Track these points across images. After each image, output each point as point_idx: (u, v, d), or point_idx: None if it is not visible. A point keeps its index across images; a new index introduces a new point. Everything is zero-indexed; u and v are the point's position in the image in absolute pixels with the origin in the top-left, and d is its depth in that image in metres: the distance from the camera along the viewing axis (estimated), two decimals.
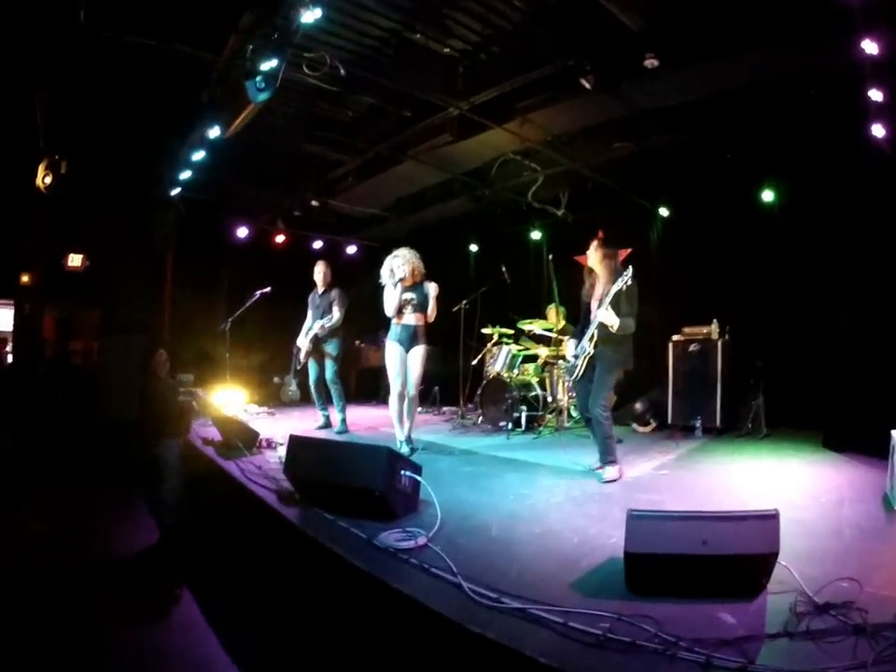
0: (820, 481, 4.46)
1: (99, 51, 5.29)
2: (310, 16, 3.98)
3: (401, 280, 5.44)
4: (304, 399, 8.70)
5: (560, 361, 7.18)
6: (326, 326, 6.58)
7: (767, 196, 7.12)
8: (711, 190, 7.55)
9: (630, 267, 4.53)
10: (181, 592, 3.60)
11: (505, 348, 7.46)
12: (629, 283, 4.44)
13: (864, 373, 5.59)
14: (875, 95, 4.64)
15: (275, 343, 10.02)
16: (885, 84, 4.56)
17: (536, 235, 9.81)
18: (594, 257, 4.77)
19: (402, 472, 3.27)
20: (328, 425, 6.93)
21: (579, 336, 4.79)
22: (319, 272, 6.91)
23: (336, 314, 6.66)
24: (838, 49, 4.48)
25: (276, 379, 10.06)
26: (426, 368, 5.64)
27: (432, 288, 5.54)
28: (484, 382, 7.48)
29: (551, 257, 6.74)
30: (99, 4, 4.69)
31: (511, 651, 1.95)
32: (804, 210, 6.74)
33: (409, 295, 5.50)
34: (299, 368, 7.14)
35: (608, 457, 4.53)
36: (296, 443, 3.70)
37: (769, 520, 2.33)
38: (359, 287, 7.53)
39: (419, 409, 6.09)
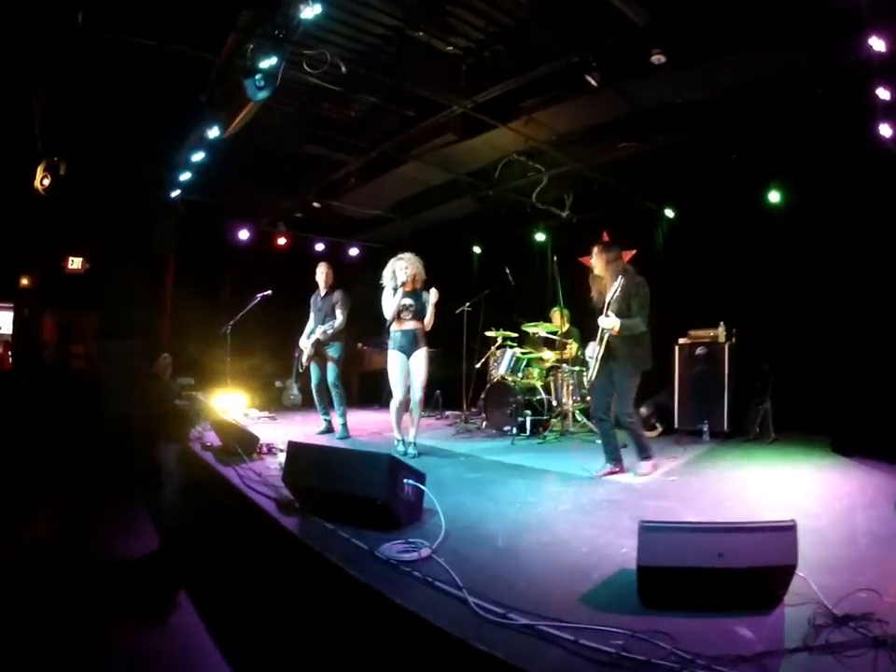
0: (831, 486, 4.38)
1: (97, 52, 5.25)
2: (310, 12, 3.91)
3: (402, 285, 5.45)
4: (306, 404, 8.64)
5: (564, 365, 7.10)
6: (329, 332, 6.50)
7: (774, 197, 7.04)
8: (717, 192, 7.47)
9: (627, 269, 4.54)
10: (180, 598, 3.54)
11: (509, 351, 7.36)
12: (631, 283, 4.49)
13: (873, 378, 5.52)
14: (883, 94, 4.55)
15: (277, 347, 9.99)
16: (892, 82, 4.48)
17: (540, 237, 9.74)
18: (598, 262, 4.73)
19: (405, 480, 3.17)
20: (329, 430, 6.85)
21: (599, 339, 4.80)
22: (321, 273, 6.82)
23: (339, 317, 6.58)
24: (845, 47, 4.41)
25: (278, 383, 10.02)
26: (429, 370, 5.61)
27: (432, 295, 5.52)
28: (488, 385, 7.39)
29: (555, 258, 6.67)
30: (97, 4, 4.63)
31: (519, 671, 1.85)
32: (811, 211, 6.69)
33: (407, 301, 5.50)
34: (301, 371, 7.04)
35: (643, 454, 4.68)
36: (295, 450, 3.60)
37: (786, 531, 2.24)
38: (361, 289, 7.44)
39: (422, 413, 6.01)
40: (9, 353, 10.02)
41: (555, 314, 7.67)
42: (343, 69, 4.79)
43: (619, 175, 7.66)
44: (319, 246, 11.06)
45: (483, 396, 7.45)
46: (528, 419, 6.73)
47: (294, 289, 7.92)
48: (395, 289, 5.50)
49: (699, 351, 6.84)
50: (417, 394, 5.50)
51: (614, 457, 4.75)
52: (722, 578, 2.21)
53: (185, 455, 5.99)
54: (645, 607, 2.31)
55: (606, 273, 4.68)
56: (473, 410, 8.15)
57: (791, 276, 6.91)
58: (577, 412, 7.17)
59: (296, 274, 8.57)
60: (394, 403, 5.56)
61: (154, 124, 6.51)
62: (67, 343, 9.83)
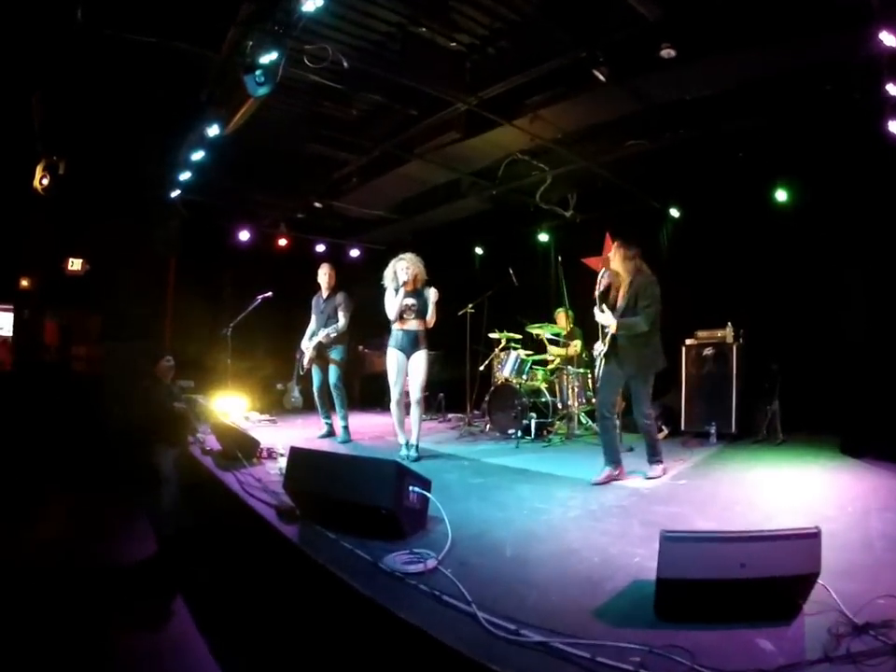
0: (843, 489, 4.30)
1: (97, 50, 5.19)
2: (311, 4, 3.82)
3: (403, 285, 5.44)
4: (307, 406, 8.56)
5: (569, 367, 7.01)
6: (332, 334, 6.42)
7: (781, 196, 6.96)
8: (723, 190, 7.39)
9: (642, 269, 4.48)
10: (176, 604, 3.46)
11: (514, 353, 7.26)
12: (642, 281, 4.45)
13: (883, 378, 5.49)
14: (893, 90, 4.48)
15: (278, 349, 9.94)
16: None
17: (543, 237, 9.66)
18: (616, 256, 4.65)
19: (411, 488, 3.07)
20: (331, 433, 6.77)
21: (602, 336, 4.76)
22: (324, 274, 6.73)
23: (341, 319, 6.50)
24: (855, 42, 4.36)
25: (279, 385, 9.94)
26: (429, 373, 5.58)
27: (432, 294, 5.50)
28: (493, 388, 7.30)
29: (560, 259, 6.57)
30: (97, 1, 4.57)
31: None
32: (818, 209, 6.62)
33: (410, 301, 5.47)
34: (302, 373, 6.96)
35: (655, 457, 4.68)
36: (297, 457, 3.50)
37: (810, 539, 2.17)
38: (363, 290, 7.35)
39: (423, 416, 5.94)
40: (10, 354, 9.97)
41: (560, 314, 7.58)
42: (346, 64, 4.69)
43: (624, 173, 7.58)
44: (320, 247, 11.00)
45: (487, 398, 7.35)
46: (533, 422, 6.63)
47: (295, 291, 7.86)
48: (396, 290, 5.47)
49: (707, 352, 6.75)
50: (415, 395, 5.46)
51: (614, 459, 4.63)
52: (744, 588, 2.13)
53: (184, 458, 5.91)
54: (660, 620, 2.22)
55: (622, 269, 4.62)
56: (476, 412, 8.05)
57: (798, 276, 6.82)
58: (582, 414, 7.07)
59: (297, 276, 8.54)
60: (392, 405, 5.58)
61: (154, 123, 6.47)
62: (68, 345, 9.79)
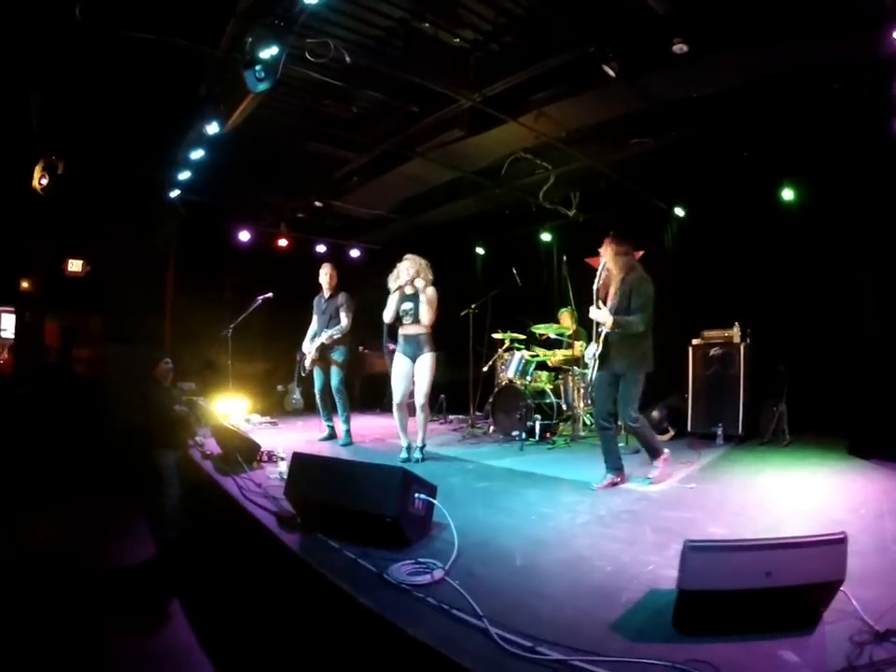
0: (854, 492, 4.25)
1: (95, 48, 5.11)
2: None
3: (400, 288, 5.40)
4: (308, 408, 8.49)
5: (574, 367, 6.92)
6: (335, 336, 6.33)
7: (787, 195, 6.90)
8: (729, 189, 7.33)
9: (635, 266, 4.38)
10: (174, 607, 3.44)
11: (518, 354, 7.16)
12: (635, 280, 4.32)
13: (893, 378, 5.46)
14: None
15: (279, 350, 9.87)
16: None
17: (546, 237, 9.59)
18: (607, 251, 4.51)
19: (416, 495, 2.97)
20: (332, 436, 6.69)
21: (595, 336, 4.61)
22: (325, 274, 6.65)
23: (343, 320, 6.42)
24: (866, 40, 4.27)
25: (280, 387, 9.89)
26: (434, 375, 5.49)
27: (426, 294, 5.40)
28: (496, 389, 7.20)
29: (565, 258, 6.49)
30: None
31: None
32: (826, 208, 6.56)
33: (407, 305, 5.43)
34: (304, 375, 6.87)
35: (655, 454, 4.54)
36: (300, 463, 3.40)
37: (837, 545, 2.12)
38: (363, 291, 7.26)
39: (430, 417, 5.85)
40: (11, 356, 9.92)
41: (564, 314, 7.50)
42: (348, 59, 4.59)
43: (628, 172, 7.49)
44: (321, 248, 10.93)
45: (490, 400, 7.26)
46: (538, 423, 6.53)
47: (296, 291, 7.76)
48: (393, 292, 5.45)
49: (714, 352, 6.66)
50: (419, 400, 5.38)
51: (615, 466, 4.52)
52: (767, 598, 2.07)
53: (184, 462, 5.82)
54: (679, 633, 2.13)
55: (613, 265, 4.46)
56: (479, 414, 7.96)
57: (805, 275, 6.75)
58: (587, 415, 6.98)
59: (298, 276, 8.44)
60: (393, 408, 5.53)
61: (153, 122, 6.38)
62: (70, 347, 9.73)
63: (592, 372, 4.54)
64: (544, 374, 7.32)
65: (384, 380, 9.45)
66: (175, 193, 7.95)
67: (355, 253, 11.34)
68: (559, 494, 4.32)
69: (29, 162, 6.50)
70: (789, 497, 4.17)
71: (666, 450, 4.66)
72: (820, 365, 6.50)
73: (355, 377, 10.40)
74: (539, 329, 7.48)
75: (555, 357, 7.45)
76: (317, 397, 6.73)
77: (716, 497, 4.22)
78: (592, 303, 4.51)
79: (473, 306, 7.68)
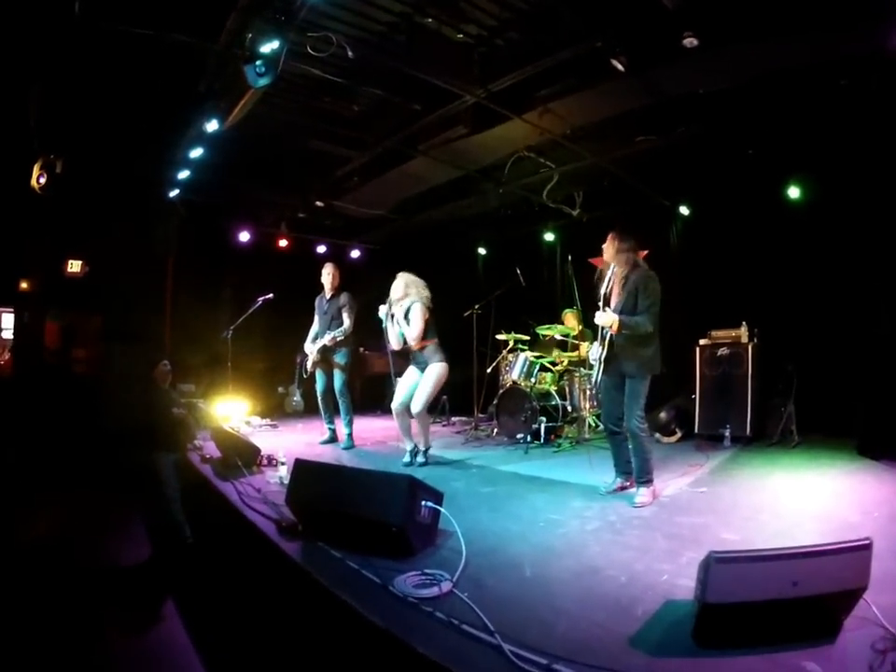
0: (866, 493, 4.18)
1: (94, 45, 5.02)
2: None
3: (391, 316, 5.45)
4: (308, 410, 8.40)
5: (580, 369, 6.82)
6: (338, 337, 6.23)
7: (794, 192, 6.81)
8: (734, 187, 7.24)
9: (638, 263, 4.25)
10: (168, 611, 3.39)
11: (522, 355, 7.06)
12: (640, 277, 4.15)
13: None
14: None
15: (279, 352, 9.77)
16: None
17: (549, 237, 9.50)
18: (609, 248, 4.34)
19: (423, 503, 2.87)
20: (333, 439, 6.60)
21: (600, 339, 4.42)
22: (327, 274, 6.55)
23: (346, 321, 6.32)
24: (874, 34, 4.19)
25: (280, 389, 9.80)
26: (439, 385, 5.37)
27: (411, 311, 5.34)
28: (501, 391, 7.10)
29: (570, 258, 6.38)
30: None
31: None
32: (833, 206, 6.48)
33: (387, 325, 5.47)
34: (305, 376, 6.77)
35: (644, 476, 4.14)
36: (302, 469, 3.30)
37: (862, 551, 2.07)
38: (364, 291, 7.17)
39: (434, 420, 5.75)
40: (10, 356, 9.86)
41: (568, 315, 7.40)
42: (350, 53, 4.49)
43: (633, 170, 7.40)
44: (321, 248, 10.84)
45: (495, 402, 7.15)
46: (543, 426, 6.43)
47: (296, 292, 7.68)
48: (387, 318, 5.50)
49: (721, 352, 6.56)
50: (414, 407, 5.23)
51: (625, 471, 4.38)
52: (792, 608, 2.02)
53: (183, 466, 5.72)
54: (699, 646, 2.06)
55: (615, 262, 4.28)
56: (482, 416, 7.86)
57: (813, 274, 6.65)
58: (592, 417, 6.88)
59: (298, 276, 8.35)
60: (393, 411, 5.47)
61: (152, 120, 6.30)
62: (69, 347, 9.65)
63: (597, 375, 4.37)
64: (548, 376, 7.23)
65: (384, 381, 9.40)
66: (174, 192, 7.87)
67: (355, 253, 11.24)
68: (567, 498, 4.22)
69: (28, 161, 6.42)
70: (800, 499, 4.10)
71: (654, 486, 4.26)
72: (828, 364, 6.41)
73: (355, 378, 10.31)
74: (543, 330, 7.39)
75: (560, 357, 7.35)
76: (319, 399, 6.64)
77: (727, 501, 4.13)
78: (596, 304, 4.37)
79: (477, 307, 7.59)
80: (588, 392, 6.79)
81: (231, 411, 7.77)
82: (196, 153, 6.34)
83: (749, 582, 1.99)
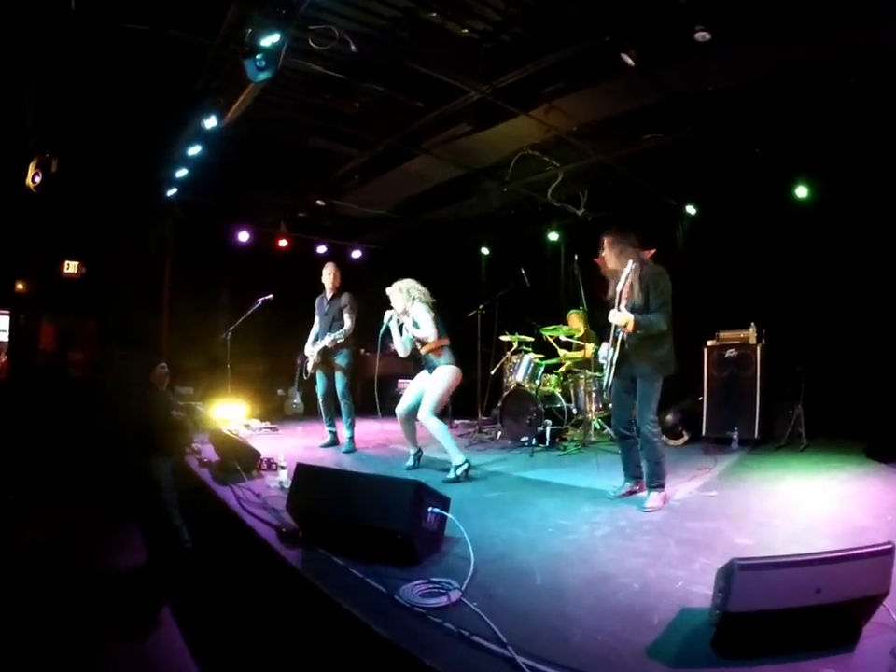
0: (877, 497, 4.13)
1: (90, 42, 4.93)
2: None
3: (400, 324, 5.37)
4: (308, 412, 8.31)
5: (585, 371, 6.72)
6: (339, 339, 6.12)
7: (802, 192, 6.73)
8: (741, 187, 7.15)
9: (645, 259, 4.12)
10: (165, 616, 3.37)
11: (526, 357, 6.96)
12: (648, 274, 4.02)
13: None
14: None
15: (279, 353, 9.69)
16: None
17: (553, 237, 9.42)
18: (609, 253, 4.21)
19: (430, 509, 2.76)
20: (334, 443, 6.52)
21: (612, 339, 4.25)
22: (328, 274, 6.46)
23: (347, 322, 6.23)
24: (886, 31, 4.10)
25: (280, 391, 9.70)
26: (449, 389, 5.20)
27: (416, 316, 5.21)
28: (505, 394, 6.99)
29: (576, 258, 6.29)
30: None
31: None
32: (841, 205, 6.41)
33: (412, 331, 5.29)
34: (305, 378, 6.67)
35: (656, 481, 4.03)
36: (304, 475, 3.19)
37: (884, 556, 2.03)
38: (364, 292, 7.07)
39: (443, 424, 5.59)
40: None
41: (573, 316, 7.30)
42: (353, 47, 4.40)
43: (639, 169, 7.32)
44: (321, 248, 10.75)
45: (499, 404, 7.04)
46: (548, 429, 6.32)
47: (296, 292, 7.60)
48: (393, 324, 5.40)
49: (729, 353, 6.46)
50: (420, 412, 5.04)
51: (635, 475, 4.28)
52: (814, 615, 1.97)
53: (181, 470, 5.63)
54: (718, 656, 1.99)
55: (620, 265, 4.08)
56: (485, 419, 7.75)
57: (822, 274, 6.56)
58: (598, 420, 6.77)
59: (298, 277, 8.26)
60: (397, 415, 5.38)
61: (150, 117, 6.22)
62: (65, 350, 9.56)
63: (607, 378, 4.21)
64: (553, 378, 7.13)
65: (384, 382, 9.29)
66: (171, 192, 7.79)
67: (356, 254, 11.16)
68: (575, 503, 4.12)
69: (23, 160, 6.34)
70: (811, 503, 4.03)
71: (666, 491, 4.16)
72: (837, 367, 6.33)
73: (356, 380, 10.21)
74: (548, 332, 7.29)
75: (565, 359, 7.25)
76: (320, 401, 6.55)
77: (738, 505, 4.04)
78: (602, 305, 4.24)
79: (481, 307, 7.49)
80: (594, 394, 6.69)
81: (229, 414, 7.70)
82: (194, 151, 6.25)
83: (772, 590, 1.92)
